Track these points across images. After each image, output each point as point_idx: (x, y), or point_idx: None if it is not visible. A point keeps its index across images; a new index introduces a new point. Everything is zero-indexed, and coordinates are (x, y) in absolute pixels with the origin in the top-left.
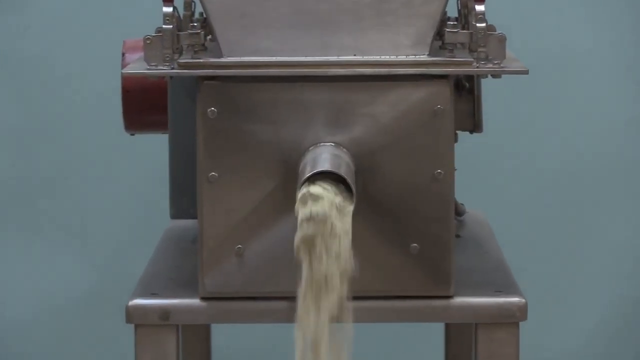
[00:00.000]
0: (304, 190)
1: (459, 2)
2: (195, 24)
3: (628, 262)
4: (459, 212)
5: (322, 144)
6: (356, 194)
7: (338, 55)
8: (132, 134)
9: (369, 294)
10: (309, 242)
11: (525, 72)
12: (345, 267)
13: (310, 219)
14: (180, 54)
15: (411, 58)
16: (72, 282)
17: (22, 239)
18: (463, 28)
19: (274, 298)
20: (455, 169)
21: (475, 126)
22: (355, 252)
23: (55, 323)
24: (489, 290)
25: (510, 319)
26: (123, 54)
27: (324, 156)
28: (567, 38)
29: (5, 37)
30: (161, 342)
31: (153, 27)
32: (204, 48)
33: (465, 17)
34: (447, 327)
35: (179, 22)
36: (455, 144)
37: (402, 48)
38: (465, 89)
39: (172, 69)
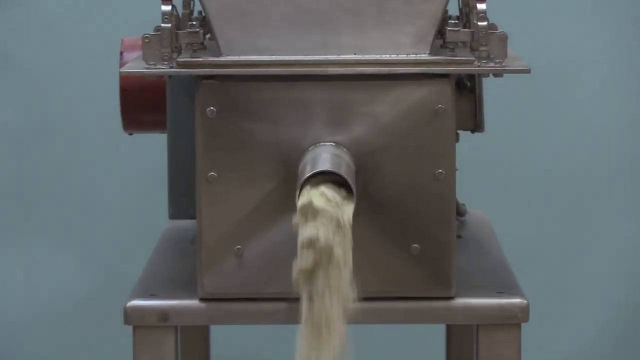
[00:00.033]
0: (304, 198)
1: (460, 0)
2: (194, 23)
3: (632, 263)
4: (460, 212)
5: (322, 143)
6: (356, 194)
7: (338, 54)
8: (131, 134)
9: (369, 295)
10: (309, 274)
11: (527, 71)
12: (346, 303)
13: (310, 245)
14: (179, 52)
15: (412, 57)
16: (69, 282)
17: (20, 240)
18: (464, 27)
19: (274, 299)
20: (457, 169)
21: (476, 126)
22: (356, 252)
23: (52, 324)
24: (490, 291)
25: (512, 320)
26: (121, 53)
27: (324, 156)
28: (569, 36)
29: (1, 36)
30: (160, 343)
31: (151, 25)
32: (203, 47)
33: (466, 15)
34: (448, 328)
35: (178, 21)
36: (457, 144)
37: (402, 47)
38: (467, 88)
39: (171, 68)
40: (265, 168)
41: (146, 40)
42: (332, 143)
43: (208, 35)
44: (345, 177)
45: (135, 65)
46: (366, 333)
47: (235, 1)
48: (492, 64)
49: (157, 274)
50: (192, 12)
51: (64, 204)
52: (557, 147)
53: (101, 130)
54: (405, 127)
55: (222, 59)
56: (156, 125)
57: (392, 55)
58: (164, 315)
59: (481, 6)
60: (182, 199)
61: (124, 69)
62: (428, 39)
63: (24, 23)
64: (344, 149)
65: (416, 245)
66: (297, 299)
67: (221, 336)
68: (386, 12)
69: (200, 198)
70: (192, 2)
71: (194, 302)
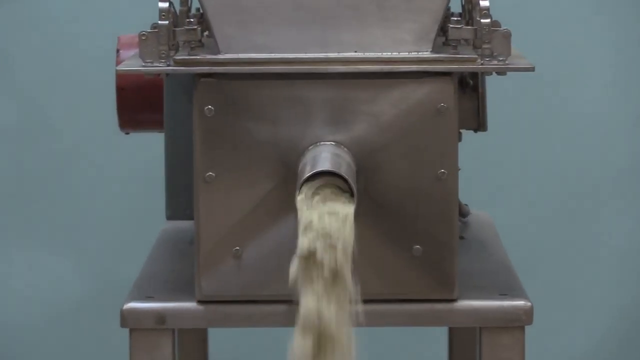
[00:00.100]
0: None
1: None
2: (192, 20)
3: (638, 265)
4: (463, 213)
5: (322, 143)
6: (357, 194)
7: (338, 52)
8: (127, 133)
9: (371, 297)
10: (308, 279)
11: (532, 69)
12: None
13: (310, 256)
14: (177, 50)
15: (414, 55)
16: (65, 284)
17: (16, 241)
18: (467, 24)
19: (272, 301)
20: (459, 169)
21: (479, 125)
22: (357, 254)
23: (48, 326)
24: (493, 293)
25: (516, 323)
26: (117, 51)
27: (324, 155)
28: (573, 34)
29: None
30: (157, 346)
31: (148, 23)
32: (200, 44)
33: (469, 12)
34: (451, 330)
35: (175, 18)
36: (459, 143)
37: (404, 44)
38: (469, 87)
39: (168, 65)
40: (264, 168)
41: (143, 38)
42: (332, 142)
43: (206, 33)
44: (346, 177)
45: (132, 63)
46: (367, 336)
47: None
48: (496, 62)
49: (154, 275)
50: (189, 9)
51: (60, 205)
52: (561, 146)
53: (97, 130)
54: (406, 126)
55: (220, 56)
56: (153, 124)
57: (393, 53)
58: (160, 318)
59: (484, 3)
60: (180, 199)
61: (121, 67)
62: (430, 37)
63: (19, 21)
64: (345, 149)
65: (418, 246)
66: (296, 302)
67: (219, 339)
68: (387, 9)
69: (198, 198)
70: None
71: (191, 305)
